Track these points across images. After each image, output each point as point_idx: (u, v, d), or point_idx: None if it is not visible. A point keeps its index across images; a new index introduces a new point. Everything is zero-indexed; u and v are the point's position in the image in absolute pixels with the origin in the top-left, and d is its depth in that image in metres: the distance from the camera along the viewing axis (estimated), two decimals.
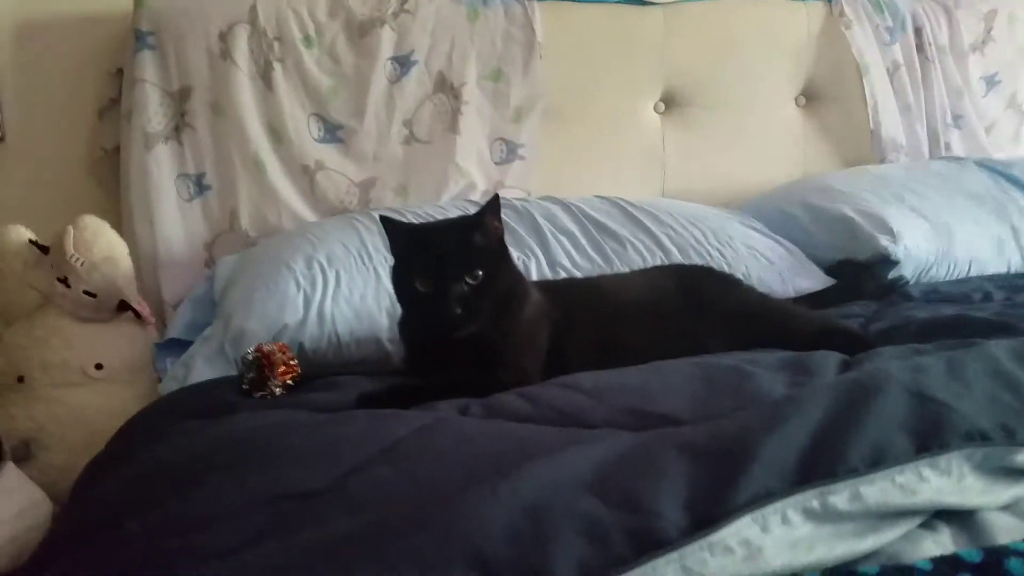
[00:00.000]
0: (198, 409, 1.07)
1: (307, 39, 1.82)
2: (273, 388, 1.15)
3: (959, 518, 0.69)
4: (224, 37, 1.76)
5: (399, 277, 1.17)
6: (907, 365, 0.85)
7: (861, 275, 1.56)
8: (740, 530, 0.61)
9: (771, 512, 0.62)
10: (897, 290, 1.55)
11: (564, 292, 1.30)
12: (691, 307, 1.27)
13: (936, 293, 1.48)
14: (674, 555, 0.58)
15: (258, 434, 0.89)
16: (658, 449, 0.69)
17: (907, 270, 1.58)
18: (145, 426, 1.08)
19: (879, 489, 0.66)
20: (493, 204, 1.16)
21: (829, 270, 1.63)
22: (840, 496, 0.65)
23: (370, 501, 0.69)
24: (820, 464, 0.66)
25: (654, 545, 0.58)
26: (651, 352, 1.12)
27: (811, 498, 0.64)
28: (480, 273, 1.10)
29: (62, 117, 1.82)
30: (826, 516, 0.64)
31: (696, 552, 0.59)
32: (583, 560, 0.57)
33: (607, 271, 1.53)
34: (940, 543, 0.66)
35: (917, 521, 0.68)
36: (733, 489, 0.63)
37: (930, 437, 0.70)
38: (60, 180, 1.83)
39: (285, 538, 0.64)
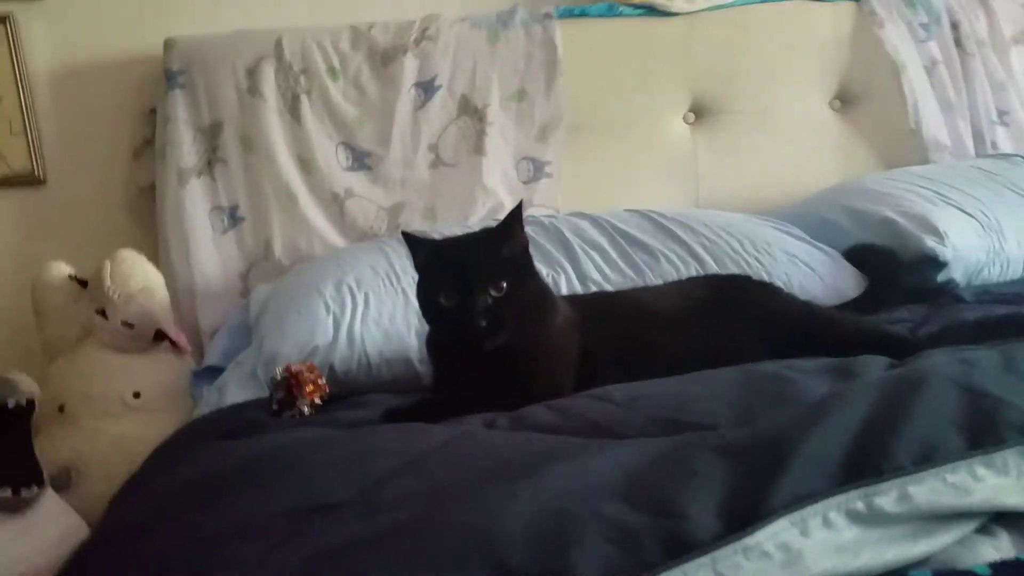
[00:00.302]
0: (227, 429, 1.07)
1: (332, 71, 1.84)
2: (301, 407, 1.14)
3: (1020, 521, 0.64)
4: (251, 73, 1.80)
5: (423, 292, 1.15)
6: (957, 359, 0.80)
7: (902, 275, 1.49)
8: (777, 533, 0.57)
9: (811, 514, 0.58)
10: (947, 293, 1.47)
11: (594, 305, 1.27)
12: (729, 317, 1.22)
13: (989, 294, 1.40)
14: (705, 559, 0.55)
15: (283, 450, 0.87)
16: (691, 451, 0.66)
17: (957, 272, 1.51)
18: (176, 446, 1.08)
19: (929, 489, 0.61)
20: (515, 213, 1.14)
21: (847, 254, 1.56)
22: (887, 497, 0.60)
23: (390, 509, 0.67)
24: (864, 463, 0.62)
25: (684, 549, 0.55)
26: (686, 364, 1.08)
27: (855, 499, 0.60)
28: (504, 285, 1.08)
29: (99, 158, 1.88)
30: (873, 519, 0.60)
31: (729, 556, 0.55)
32: (608, 564, 0.54)
33: (639, 284, 1.49)
34: (1000, 548, 0.61)
35: (973, 525, 0.63)
36: (770, 490, 0.59)
37: (983, 433, 0.65)
38: (99, 218, 1.88)
39: (303, 545, 0.62)
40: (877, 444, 0.64)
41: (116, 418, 1.56)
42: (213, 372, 1.54)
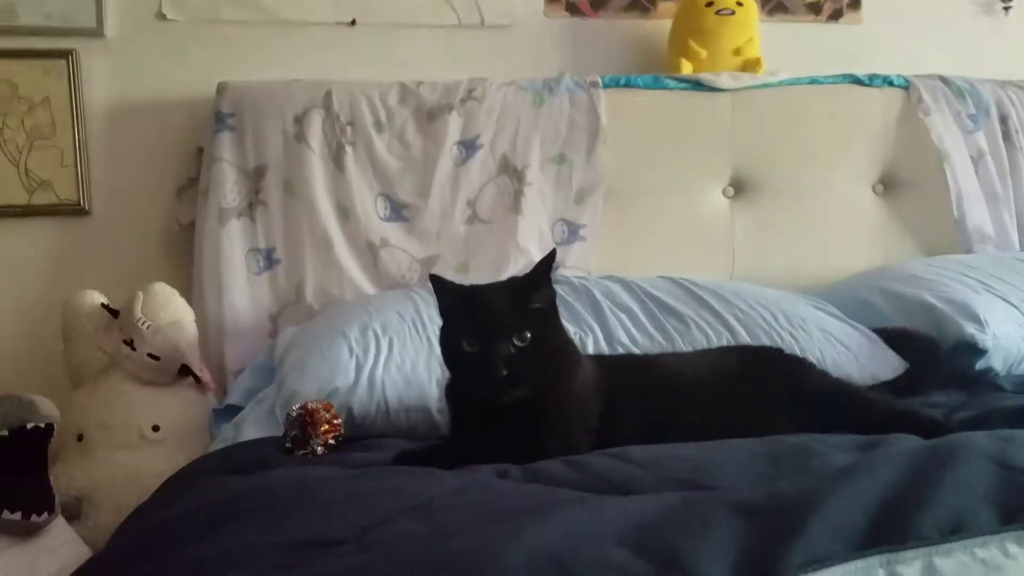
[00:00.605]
0: (237, 465, 1.06)
1: (378, 124, 1.88)
2: (315, 446, 1.13)
3: None
4: (299, 120, 1.84)
5: (446, 336, 1.14)
6: (993, 435, 0.76)
7: (942, 361, 1.44)
8: None
9: None
10: (986, 381, 1.43)
11: (619, 366, 1.24)
12: (758, 388, 1.19)
13: None
14: None
15: (288, 485, 0.86)
16: (706, 506, 0.63)
17: (996, 361, 1.46)
18: (185, 479, 1.07)
19: (957, 562, 0.58)
20: (547, 263, 1.12)
21: (884, 333, 1.52)
22: (911, 567, 0.57)
23: (388, 546, 0.64)
24: (888, 530, 0.58)
25: None
26: (710, 432, 1.05)
27: (876, 566, 0.56)
28: (529, 335, 1.06)
29: (144, 193, 1.93)
30: None
31: None
32: None
33: (668, 350, 1.46)
34: None
35: None
36: (786, 550, 0.56)
37: (1017, 510, 0.61)
38: (138, 252, 1.92)
39: (297, 573, 0.60)
40: (903, 512, 0.60)
41: (133, 450, 1.55)
42: (234, 411, 1.53)
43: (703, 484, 0.82)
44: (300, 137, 1.84)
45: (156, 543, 0.77)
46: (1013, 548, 0.59)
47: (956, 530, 0.59)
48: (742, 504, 0.62)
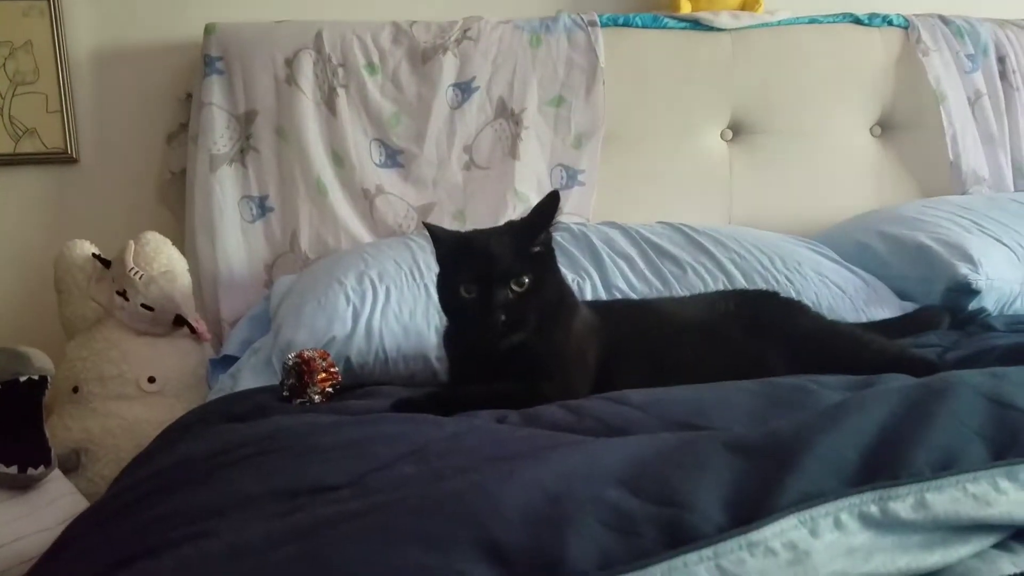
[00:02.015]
0: (234, 413, 1.07)
1: (371, 66, 1.84)
2: (312, 395, 1.13)
3: None
4: (290, 63, 1.81)
5: (443, 284, 1.14)
6: (985, 372, 0.76)
7: (937, 312, 1.45)
8: (785, 531, 0.54)
9: (822, 514, 0.55)
10: (978, 321, 1.44)
11: (616, 311, 1.24)
12: (753, 331, 1.19)
13: (1021, 324, 1.37)
14: (708, 552, 0.52)
15: (286, 432, 0.86)
16: (702, 445, 0.63)
17: (989, 301, 1.47)
18: (181, 428, 1.08)
19: (948, 497, 0.58)
20: (549, 206, 1.11)
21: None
22: (903, 502, 0.57)
23: (386, 491, 0.65)
24: (881, 466, 0.59)
25: (685, 540, 0.52)
26: (707, 375, 1.06)
27: (869, 502, 0.57)
28: (527, 280, 1.06)
29: (133, 140, 1.90)
30: (887, 524, 0.57)
31: (733, 551, 0.52)
32: (605, 550, 0.51)
33: (665, 295, 1.47)
34: (1019, 564, 0.57)
35: (993, 539, 0.60)
36: (780, 486, 0.56)
37: (1008, 445, 0.62)
38: (129, 200, 1.90)
39: (294, 517, 0.61)
40: (895, 448, 0.61)
41: (130, 401, 1.56)
42: (230, 361, 1.54)
43: (700, 425, 0.83)
44: (291, 80, 1.81)
45: (153, 491, 0.77)
46: (1004, 483, 0.60)
47: (948, 466, 0.60)
48: (737, 442, 0.63)
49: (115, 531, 0.71)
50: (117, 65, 1.88)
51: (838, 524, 0.56)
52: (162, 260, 1.60)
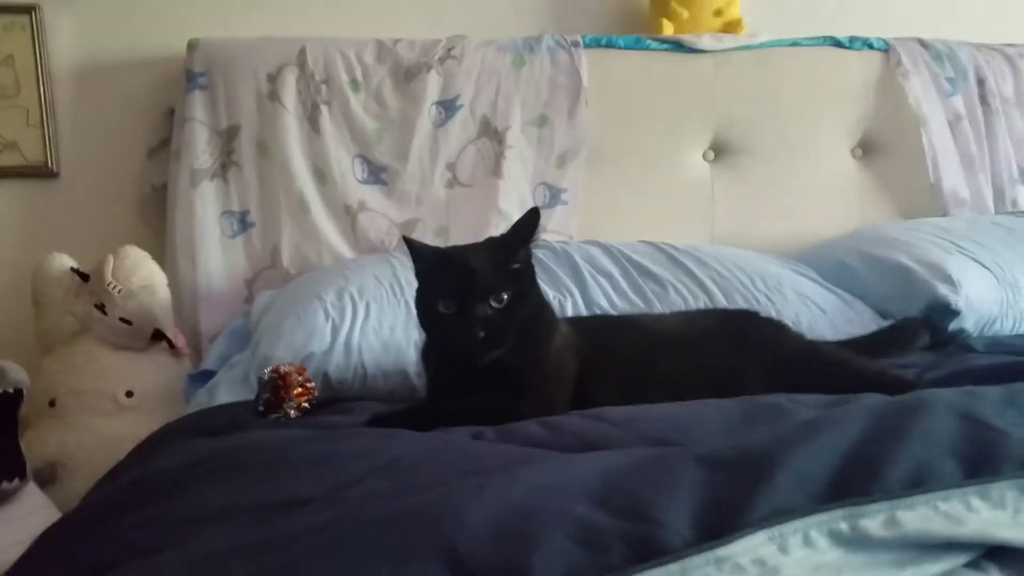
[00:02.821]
0: (208, 427, 1.06)
1: (354, 83, 1.85)
2: (288, 410, 1.12)
3: (1012, 560, 0.60)
4: (273, 79, 1.81)
5: (422, 299, 1.13)
6: (960, 391, 0.76)
7: (916, 326, 1.45)
8: (754, 547, 0.53)
9: (791, 531, 0.55)
10: (958, 342, 1.44)
11: (595, 328, 1.24)
12: (733, 349, 1.19)
13: (1000, 346, 1.37)
14: (675, 567, 0.51)
15: (258, 447, 0.86)
16: (673, 460, 0.63)
17: (968, 322, 1.47)
18: (154, 441, 1.07)
19: (919, 515, 0.58)
20: (529, 223, 1.10)
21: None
22: (873, 520, 0.57)
23: (356, 505, 0.64)
24: (852, 483, 0.59)
25: (653, 555, 0.51)
26: (685, 394, 1.05)
27: (839, 519, 0.56)
28: (506, 296, 1.05)
29: (114, 155, 1.89)
30: (857, 542, 0.56)
31: (700, 566, 0.52)
32: (571, 564, 0.51)
33: (646, 312, 1.46)
34: None
35: (965, 558, 0.60)
36: (750, 502, 0.56)
37: (981, 464, 0.61)
38: (109, 215, 1.89)
39: (257, 532, 0.60)
40: (867, 465, 0.60)
41: (107, 416, 1.54)
42: (209, 376, 1.52)
43: (677, 442, 0.82)
44: (274, 96, 1.81)
45: (122, 504, 0.76)
46: (976, 502, 0.60)
47: (920, 483, 0.59)
48: (708, 457, 0.62)
49: (82, 542, 0.70)
50: (99, 79, 1.88)
51: (807, 541, 0.55)
52: (141, 274, 1.60)
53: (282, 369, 1.16)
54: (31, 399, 1.49)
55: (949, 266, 1.51)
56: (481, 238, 1.76)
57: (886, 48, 2.05)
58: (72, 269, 1.59)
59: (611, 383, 1.12)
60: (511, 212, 1.86)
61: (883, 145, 2.05)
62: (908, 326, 1.45)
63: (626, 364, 1.16)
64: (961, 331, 1.47)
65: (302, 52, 1.82)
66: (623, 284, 1.54)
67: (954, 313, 1.46)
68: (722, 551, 0.53)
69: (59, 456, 1.49)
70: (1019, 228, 1.73)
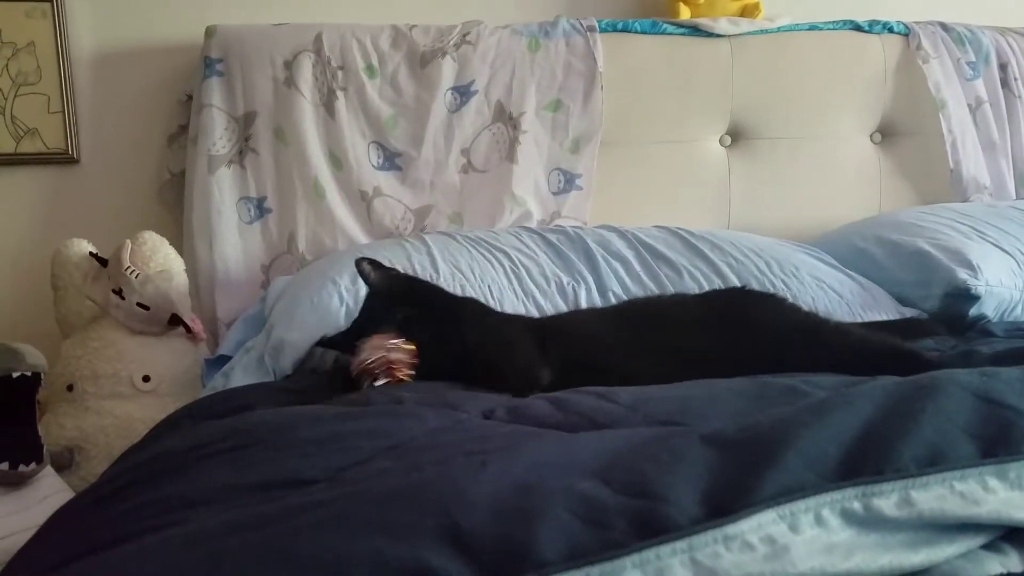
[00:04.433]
0: (221, 409, 1.06)
1: (370, 68, 1.84)
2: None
3: None
4: (289, 65, 1.81)
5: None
6: (976, 371, 0.75)
7: (926, 324, 1.43)
8: (763, 525, 0.53)
9: (802, 509, 0.54)
10: (978, 327, 1.42)
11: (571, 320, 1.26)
12: (723, 328, 1.17)
13: (1020, 331, 1.35)
14: (681, 544, 0.51)
15: (265, 426, 0.85)
16: (679, 439, 0.62)
17: (988, 308, 1.45)
18: (168, 424, 1.08)
19: (934, 495, 0.57)
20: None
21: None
22: (887, 499, 0.56)
23: (359, 483, 0.64)
24: (865, 462, 0.58)
25: (658, 532, 0.51)
26: (678, 372, 1.05)
27: (851, 498, 0.55)
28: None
29: (133, 141, 1.90)
30: (870, 521, 0.56)
31: (708, 544, 0.51)
32: (574, 541, 0.50)
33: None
34: (1007, 565, 0.56)
35: (981, 539, 0.59)
36: (758, 480, 0.55)
37: (998, 443, 0.60)
38: (128, 201, 1.90)
39: (261, 508, 0.60)
40: (880, 444, 0.59)
41: (124, 400, 1.55)
42: (225, 361, 1.52)
43: (686, 423, 0.81)
44: (290, 82, 1.81)
45: (130, 483, 0.77)
46: (993, 481, 0.59)
47: (935, 462, 0.58)
48: (716, 436, 0.62)
49: (90, 521, 0.71)
50: (118, 67, 1.89)
51: (819, 520, 0.54)
52: (159, 259, 1.60)
53: (391, 356, 1.13)
54: (49, 383, 1.51)
55: (969, 251, 1.49)
56: (496, 223, 1.82)
57: (906, 32, 2.02)
58: (90, 254, 1.61)
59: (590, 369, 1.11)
60: (525, 197, 1.86)
61: (903, 130, 2.03)
62: (923, 321, 1.43)
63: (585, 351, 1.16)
64: (981, 316, 1.46)
65: (318, 38, 1.82)
66: (637, 268, 1.54)
67: (974, 298, 1.44)
68: (731, 528, 0.52)
69: (76, 440, 1.50)
70: None
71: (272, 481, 0.69)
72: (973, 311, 1.45)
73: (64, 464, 1.47)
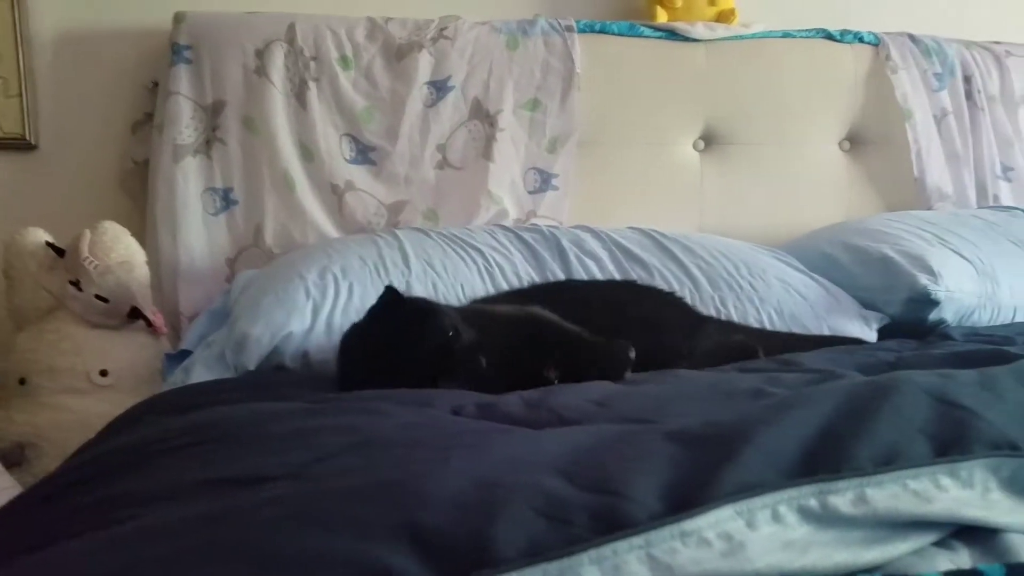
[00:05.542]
0: (180, 405, 1.03)
1: (344, 60, 1.83)
2: None
3: (980, 539, 0.60)
4: (260, 54, 1.79)
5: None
6: (934, 372, 0.76)
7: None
8: (721, 522, 0.53)
9: (759, 506, 0.54)
10: (937, 331, 1.46)
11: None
12: (604, 319, 1.20)
13: (978, 335, 1.38)
14: (638, 540, 0.50)
15: (229, 422, 0.84)
16: (644, 436, 0.62)
17: (948, 313, 1.48)
18: (126, 419, 1.05)
19: (889, 493, 0.57)
20: None
21: None
22: (843, 497, 0.56)
23: (319, 480, 0.63)
24: (822, 460, 0.58)
25: (617, 527, 0.51)
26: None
27: (808, 496, 0.56)
28: None
29: (96, 128, 1.86)
30: (827, 519, 0.56)
31: (666, 540, 0.51)
32: (534, 536, 0.50)
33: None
34: (957, 562, 0.57)
35: (933, 536, 0.59)
36: (718, 477, 0.55)
37: (951, 443, 0.61)
38: (89, 189, 1.86)
39: (214, 505, 0.59)
40: (838, 443, 0.60)
41: (80, 395, 1.51)
42: (187, 356, 1.50)
43: (655, 421, 0.81)
44: (261, 71, 1.78)
45: (80, 480, 0.75)
46: (945, 480, 0.59)
47: (890, 461, 0.59)
48: (679, 433, 0.62)
49: (37, 518, 0.69)
50: (81, 50, 1.84)
51: (776, 517, 0.55)
52: (119, 250, 1.57)
53: None
54: (1, 377, 1.47)
55: (931, 257, 1.52)
56: (471, 222, 1.80)
57: (877, 42, 2.05)
58: (47, 243, 1.57)
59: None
60: (502, 196, 1.86)
61: (870, 138, 2.06)
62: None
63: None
64: (941, 321, 1.49)
65: (291, 28, 1.80)
66: (610, 267, 1.55)
67: (934, 303, 1.47)
68: (688, 524, 0.52)
69: (28, 436, 1.46)
70: (1000, 222, 1.75)
71: (231, 477, 0.67)
72: (933, 316, 1.48)
73: (14, 461, 1.43)
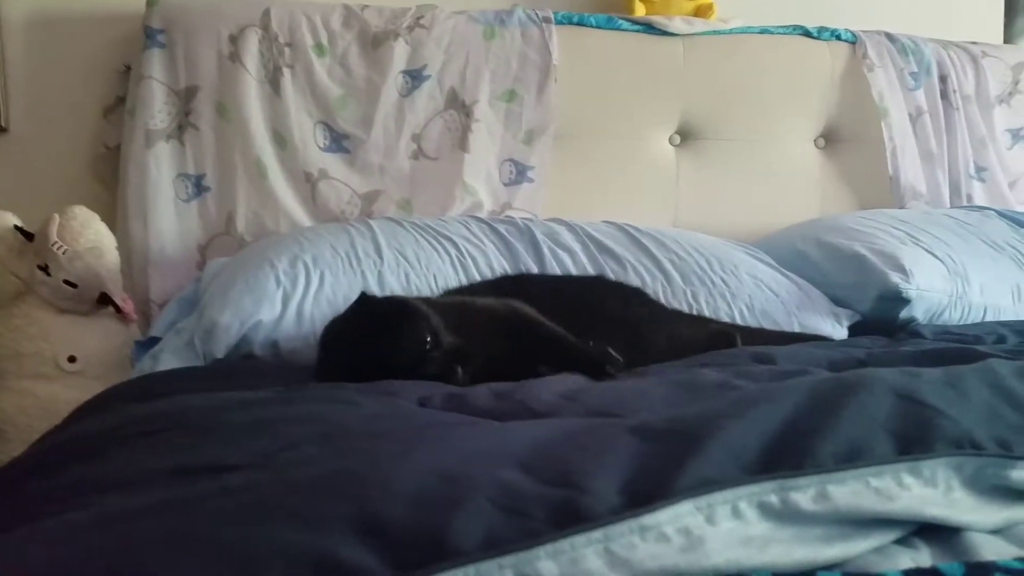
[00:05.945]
0: (150, 393, 1.02)
1: (319, 47, 1.81)
2: None
3: (941, 538, 0.60)
4: (234, 39, 1.76)
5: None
6: (901, 370, 0.77)
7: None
8: (680, 516, 0.53)
9: (720, 501, 0.54)
10: (908, 329, 1.47)
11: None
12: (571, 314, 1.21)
13: (948, 334, 1.39)
14: (597, 534, 0.50)
15: (191, 410, 0.83)
16: (606, 430, 0.62)
17: (918, 311, 1.50)
18: (93, 406, 1.03)
19: (850, 490, 0.58)
20: None
21: None
22: (804, 493, 0.56)
23: (281, 470, 0.62)
24: (784, 457, 0.58)
25: (576, 521, 0.50)
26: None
27: (769, 492, 0.56)
28: None
29: (67, 112, 1.83)
30: (787, 515, 0.56)
31: (624, 535, 0.51)
32: (491, 530, 0.49)
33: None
34: (918, 560, 0.57)
35: (895, 534, 0.60)
36: (678, 471, 0.55)
37: (915, 441, 0.61)
38: (60, 174, 1.82)
39: (173, 494, 0.58)
40: (800, 439, 0.60)
41: (47, 381, 1.50)
42: (156, 343, 1.48)
43: (623, 414, 0.81)
44: (235, 57, 1.76)
45: (39, 467, 0.74)
46: (907, 478, 0.60)
47: (852, 458, 0.59)
48: (641, 428, 0.62)
49: (0, 503, 0.67)
50: (53, 33, 1.81)
51: (736, 512, 0.54)
52: (89, 235, 1.55)
53: None
54: None
55: (902, 256, 1.53)
56: (446, 213, 1.79)
57: (854, 40, 2.06)
58: (16, 227, 1.54)
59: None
60: (477, 187, 1.84)
61: (845, 136, 2.07)
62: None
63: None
64: (911, 319, 1.50)
65: (266, 14, 1.78)
66: (583, 259, 1.54)
67: (905, 301, 1.48)
68: (647, 519, 0.52)
69: None
70: (972, 222, 1.76)
71: (191, 466, 0.67)
72: (904, 314, 1.49)
73: None
